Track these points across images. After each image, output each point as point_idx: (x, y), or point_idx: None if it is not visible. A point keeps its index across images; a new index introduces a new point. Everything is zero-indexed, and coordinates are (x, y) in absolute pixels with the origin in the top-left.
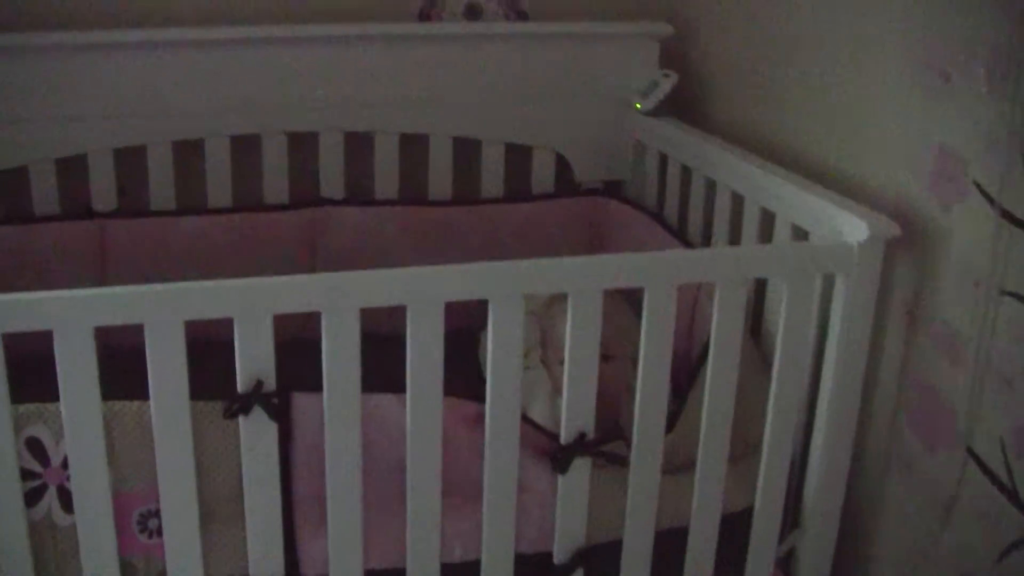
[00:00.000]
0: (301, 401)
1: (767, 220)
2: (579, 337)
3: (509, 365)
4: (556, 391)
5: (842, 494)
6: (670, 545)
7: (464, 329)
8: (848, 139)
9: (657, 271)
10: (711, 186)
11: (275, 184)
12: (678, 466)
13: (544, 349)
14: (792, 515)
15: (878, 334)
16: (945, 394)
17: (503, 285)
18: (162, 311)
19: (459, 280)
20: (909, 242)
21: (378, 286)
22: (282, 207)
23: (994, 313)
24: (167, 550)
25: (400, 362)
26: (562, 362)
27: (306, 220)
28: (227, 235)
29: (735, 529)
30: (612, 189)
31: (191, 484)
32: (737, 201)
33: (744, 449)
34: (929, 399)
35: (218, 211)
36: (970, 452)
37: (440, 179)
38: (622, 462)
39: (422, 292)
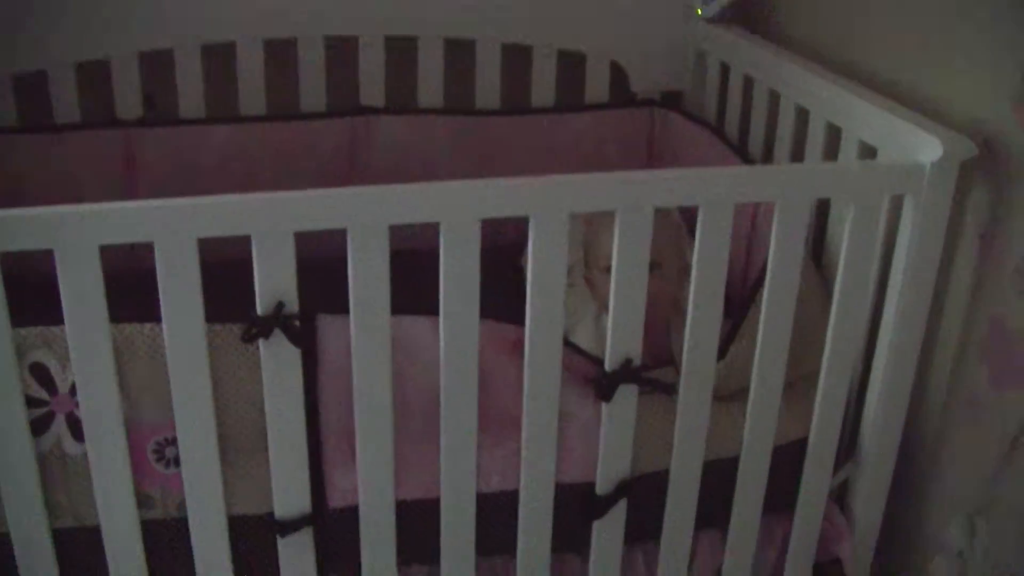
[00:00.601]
0: (326, 324)
1: (833, 136)
2: (627, 259)
3: (551, 289)
4: (602, 310)
5: (901, 427)
6: (719, 476)
7: (505, 246)
8: (926, 56)
9: (713, 189)
10: (775, 98)
11: (312, 92)
12: (729, 394)
13: (588, 267)
14: (848, 446)
15: (947, 261)
16: (1016, 327)
17: (545, 202)
18: (173, 228)
19: (497, 196)
20: (986, 164)
21: (409, 201)
22: (320, 115)
23: None
24: (185, 482)
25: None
26: (608, 270)
27: (345, 129)
28: (261, 145)
29: (788, 460)
30: (670, 100)
31: (209, 413)
32: (802, 115)
33: (799, 377)
34: (998, 332)
35: (252, 119)
36: None
37: (488, 88)
38: (670, 390)
39: (456, 209)
